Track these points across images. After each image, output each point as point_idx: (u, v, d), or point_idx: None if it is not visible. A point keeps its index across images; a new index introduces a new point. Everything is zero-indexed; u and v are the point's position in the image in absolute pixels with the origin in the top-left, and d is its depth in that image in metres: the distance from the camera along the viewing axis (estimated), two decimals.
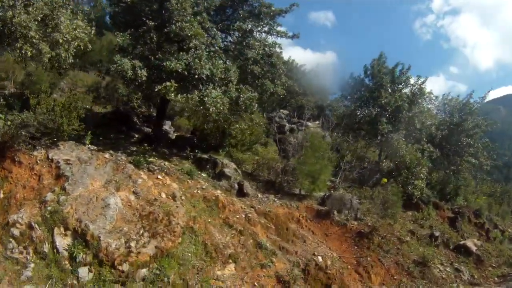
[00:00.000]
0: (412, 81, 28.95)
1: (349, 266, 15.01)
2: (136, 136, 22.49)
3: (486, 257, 22.75)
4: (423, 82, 28.75)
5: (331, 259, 14.73)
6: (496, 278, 20.58)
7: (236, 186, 17.61)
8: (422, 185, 22.94)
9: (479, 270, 20.83)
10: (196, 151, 19.93)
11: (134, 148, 18.84)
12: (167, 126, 28.16)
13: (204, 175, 17.85)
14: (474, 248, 21.51)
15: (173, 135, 25.29)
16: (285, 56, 36.36)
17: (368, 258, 15.83)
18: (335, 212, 17.95)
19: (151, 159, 17.10)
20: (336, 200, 18.56)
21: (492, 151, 31.47)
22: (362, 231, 17.40)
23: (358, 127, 29.05)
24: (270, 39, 20.62)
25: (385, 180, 21.69)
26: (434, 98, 31.06)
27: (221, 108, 16.29)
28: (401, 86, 29.04)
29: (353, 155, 26.62)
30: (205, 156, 19.12)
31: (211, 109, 15.98)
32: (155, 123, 22.38)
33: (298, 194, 19.30)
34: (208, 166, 18.50)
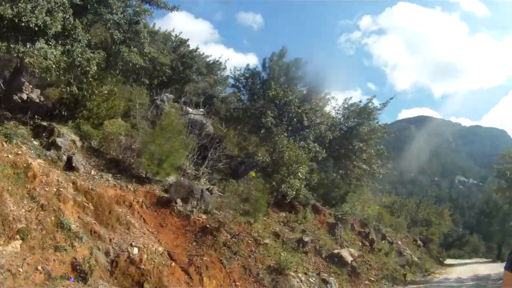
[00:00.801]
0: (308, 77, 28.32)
1: (173, 264, 12.30)
2: None
3: (365, 269, 21.11)
4: (321, 81, 28.74)
5: (152, 253, 11.99)
6: None
7: (65, 158, 14.68)
8: (298, 185, 20.82)
9: (353, 283, 18.96)
10: (37, 117, 17.00)
11: None
12: (34, 94, 25.48)
13: (36, 143, 15.11)
14: (349, 259, 19.64)
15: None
16: (193, 45, 34.74)
17: (205, 258, 13.18)
18: (179, 201, 15.24)
19: None
20: (183, 188, 15.83)
21: (387, 159, 30.41)
22: (208, 226, 14.76)
23: (246, 120, 27.12)
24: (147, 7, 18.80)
25: (253, 174, 19.39)
26: (332, 98, 29.57)
27: (51, 64, 14.02)
28: (296, 81, 28.40)
29: (238, 148, 24.73)
30: (45, 123, 16.33)
31: (26, 60, 13.79)
32: (7, 85, 19.53)
33: (144, 177, 16.45)
34: (44, 134, 15.75)
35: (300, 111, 25.13)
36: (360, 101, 29.70)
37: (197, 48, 33.94)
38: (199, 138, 21.03)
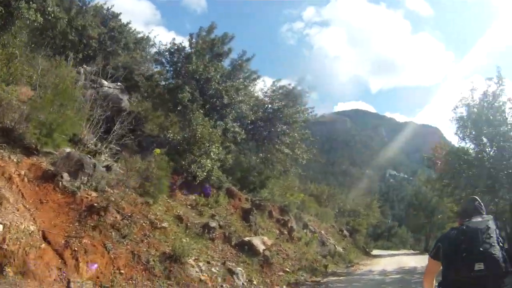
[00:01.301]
0: (236, 55, 27.27)
1: (43, 245, 10.71)
2: None
3: (280, 259, 20.19)
4: (248, 60, 27.28)
5: (19, 232, 10.41)
6: (284, 287, 17.65)
7: None
8: (210, 165, 19.57)
9: (264, 274, 17.80)
10: None
11: None
12: None
13: None
14: (261, 247, 18.56)
15: None
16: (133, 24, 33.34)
17: (85, 240, 11.62)
18: (66, 176, 13.56)
19: None
20: (72, 162, 14.13)
21: (312, 145, 29.86)
22: (96, 205, 13.18)
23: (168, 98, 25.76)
24: None
25: (158, 151, 17.80)
26: (258, 78, 28.99)
27: None
28: (221, 58, 27.24)
29: (159, 127, 23.33)
30: None
31: None
32: None
33: (33, 148, 14.63)
34: None
35: (220, 88, 23.89)
36: (290, 84, 28.95)
37: (128, 23, 32.89)
38: (104, 110, 19.40)
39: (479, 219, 4.46)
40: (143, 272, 12.28)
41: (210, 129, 19.84)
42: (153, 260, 12.76)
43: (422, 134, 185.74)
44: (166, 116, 25.52)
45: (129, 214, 13.68)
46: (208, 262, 15.16)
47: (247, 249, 17.89)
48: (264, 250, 18.57)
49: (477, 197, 4.87)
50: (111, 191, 14.57)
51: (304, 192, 37.39)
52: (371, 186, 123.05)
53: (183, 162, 18.77)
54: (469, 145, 25.20)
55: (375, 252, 49.70)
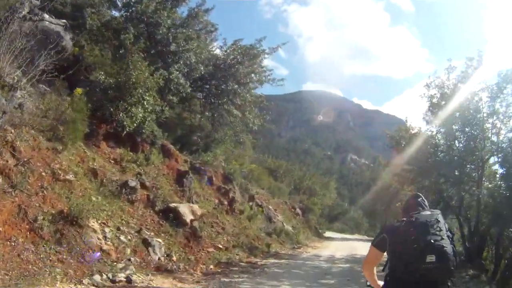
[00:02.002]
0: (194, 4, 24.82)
1: None
2: None
3: (212, 233, 18.42)
4: (206, 10, 25.08)
5: None
6: (212, 267, 15.54)
7: None
8: (141, 115, 17.35)
9: (189, 250, 15.88)
10: None
11: None
12: None
13: None
14: (189, 217, 16.59)
15: None
16: None
17: None
18: None
19: None
20: None
21: (266, 110, 28.16)
22: None
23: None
24: None
25: (79, 91, 15.57)
26: (215, 30, 27.43)
27: None
28: (179, 3, 24.88)
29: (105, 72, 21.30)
30: None
31: None
32: None
33: None
34: None
35: (169, 33, 21.95)
36: (251, 45, 26.85)
37: None
38: (28, 41, 17.11)
39: (428, 212, 4.41)
40: (28, 233, 10.17)
41: (147, 74, 17.55)
42: (43, 219, 10.62)
43: (387, 124, 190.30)
44: (113, 60, 23.51)
45: (25, 159, 11.51)
46: (119, 229, 13.18)
47: (172, 217, 15.94)
48: (192, 220, 16.65)
49: (420, 194, 4.79)
50: (12, 130, 12.35)
51: (258, 164, 36.03)
52: (331, 168, 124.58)
53: (111, 109, 16.52)
54: (438, 129, 23.76)
55: (328, 234, 48.94)
